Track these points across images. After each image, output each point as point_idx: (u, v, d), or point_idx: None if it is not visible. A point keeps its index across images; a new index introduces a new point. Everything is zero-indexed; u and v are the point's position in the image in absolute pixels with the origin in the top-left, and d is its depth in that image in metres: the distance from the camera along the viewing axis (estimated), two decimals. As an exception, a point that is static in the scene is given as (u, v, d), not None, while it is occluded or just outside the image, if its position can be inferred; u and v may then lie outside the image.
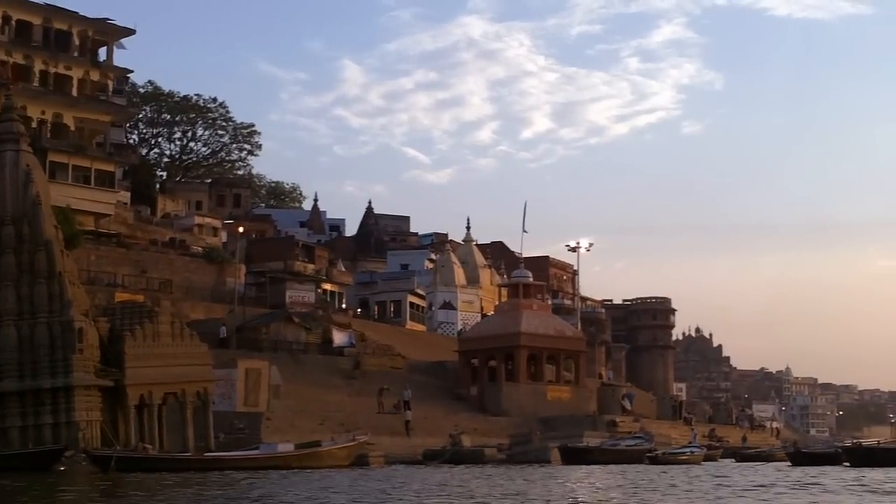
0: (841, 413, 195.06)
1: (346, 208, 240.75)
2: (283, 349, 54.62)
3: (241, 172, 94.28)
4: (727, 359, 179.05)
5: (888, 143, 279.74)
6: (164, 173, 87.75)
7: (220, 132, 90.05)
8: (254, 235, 73.94)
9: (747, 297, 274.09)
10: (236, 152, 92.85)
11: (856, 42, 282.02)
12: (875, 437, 78.09)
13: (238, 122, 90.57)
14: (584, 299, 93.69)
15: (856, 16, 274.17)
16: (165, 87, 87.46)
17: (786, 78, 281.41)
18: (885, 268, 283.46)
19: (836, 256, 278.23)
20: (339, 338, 57.91)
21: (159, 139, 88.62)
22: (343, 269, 74.91)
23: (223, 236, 69.42)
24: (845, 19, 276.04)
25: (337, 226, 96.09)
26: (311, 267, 68.99)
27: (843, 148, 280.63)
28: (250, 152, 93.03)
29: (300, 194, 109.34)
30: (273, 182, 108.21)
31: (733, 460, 48.30)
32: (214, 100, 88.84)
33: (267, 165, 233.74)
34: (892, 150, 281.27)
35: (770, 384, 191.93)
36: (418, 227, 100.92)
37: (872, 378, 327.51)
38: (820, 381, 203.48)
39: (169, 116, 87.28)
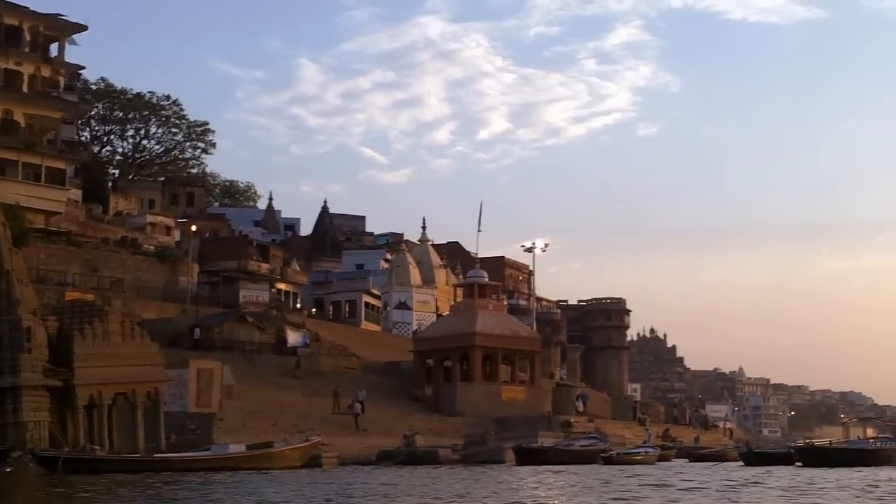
0: (793, 413, 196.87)
1: (301, 208, 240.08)
2: (237, 349, 54.12)
3: (194, 171, 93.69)
4: (681, 359, 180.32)
5: (841, 146, 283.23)
6: (117, 171, 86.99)
7: (174, 130, 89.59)
8: (207, 234, 73.45)
9: (701, 299, 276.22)
10: (190, 150, 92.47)
11: (810, 46, 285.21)
12: (826, 437, 78.79)
13: (192, 119, 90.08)
14: (539, 300, 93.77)
15: (810, 20, 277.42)
16: (118, 84, 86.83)
17: (740, 81, 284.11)
18: (837, 270, 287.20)
19: (790, 258, 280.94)
20: (292, 338, 57.44)
21: (111, 136, 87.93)
22: (298, 269, 74.50)
23: (176, 235, 68.85)
24: (800, 23, 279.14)
25: (292, 225, 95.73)
26: (265, 266, 68.57)
27: (795, 151, 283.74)
28: (204, 150, 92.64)
29: (255, 193, 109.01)
30: (227, 181, 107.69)
31: (687, 460, 48.51)
32: (168, 97, 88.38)
33: (223, 165, 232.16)
34: (845, 153, 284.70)
35: (723, 384, 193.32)
36: (374, 227, 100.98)
37: (824, 379, 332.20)
38: (772, 382, 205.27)
39: (121, 114, 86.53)
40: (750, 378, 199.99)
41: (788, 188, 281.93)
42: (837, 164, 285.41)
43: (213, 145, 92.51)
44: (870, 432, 68.20)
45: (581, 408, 61.19)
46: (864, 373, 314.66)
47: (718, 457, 49.65)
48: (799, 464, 36.84)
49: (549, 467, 34.81)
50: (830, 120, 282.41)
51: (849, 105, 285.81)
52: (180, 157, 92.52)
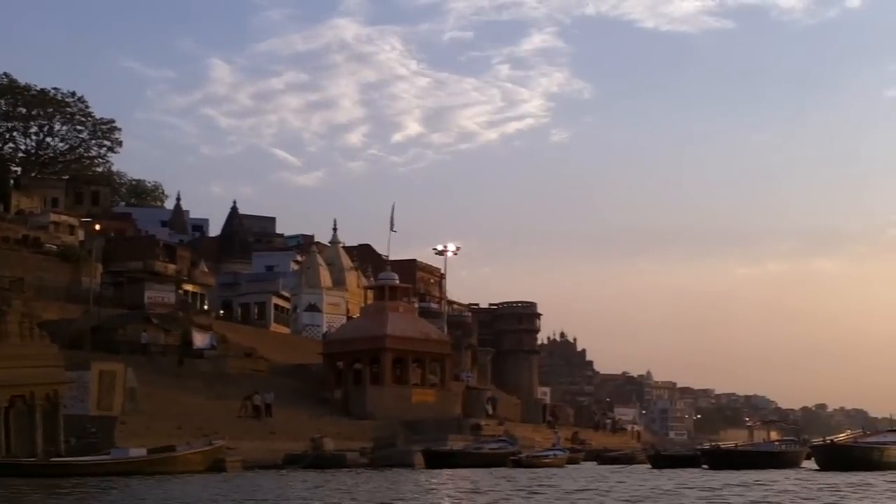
0: (699, 416, 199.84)
1: (211, 209, 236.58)
2: (141, 351, 52.91)
3: (100, 169, 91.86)
4: (591, 363, 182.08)
5: (747, 153, 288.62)
6: (19, 169, 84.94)
7: (79, 127, 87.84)
8: (112, 234, 71.89)
9: (611, 303, 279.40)
10: (95, 149, 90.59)
11: (719, 55, 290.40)
12: (731, 439, 79.80)
13: (98, 117, 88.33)
14: (450, 303, 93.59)
15: (719, 30, 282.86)
16: (22, 80, 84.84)
17: (652, 89, 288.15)
18: (743, 276, 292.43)
19: (698, 265, 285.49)
20: (199, 340, 56.31)
21: (14, 133, 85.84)
22: (206, 270, 73.27)
23: (80, 235, 67.28)
24: (710, 33, 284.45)
25: (200, 226, 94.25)
26: (171, 267, 67.38)
27: (705, 158, 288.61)
28: (110, 149, 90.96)
29: (162, 193, 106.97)
30: (134, 180, 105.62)
31: (596, 463, 48.69)
32: (73, 94, 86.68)
33: (132, 164, 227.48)
34: (752, 160, 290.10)
35: (632, 388, 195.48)
36: (286, 228, 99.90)
37: (729, 382, 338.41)
38: (679, 386, 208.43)
39: (25, 110, 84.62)
40: (658, 382, 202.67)
41: (697, 195, 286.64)
42: (746, 173, 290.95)
43: (120, 143, 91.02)
44: (773, 435, 69.46)
45: (491, 411, 61.19)
46: (767, 377, 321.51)
47: (626, 459, 49.95)
48: (705, 466, 37.15)
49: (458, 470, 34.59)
50: (737, 128, 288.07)
51: (758, 113, 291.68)
52: (85, 155, 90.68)
